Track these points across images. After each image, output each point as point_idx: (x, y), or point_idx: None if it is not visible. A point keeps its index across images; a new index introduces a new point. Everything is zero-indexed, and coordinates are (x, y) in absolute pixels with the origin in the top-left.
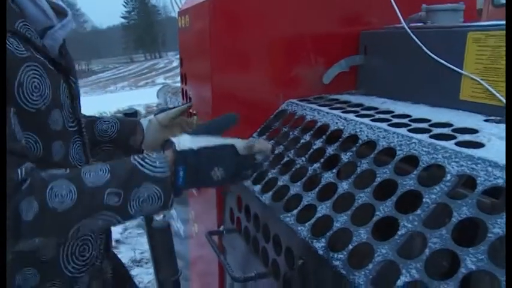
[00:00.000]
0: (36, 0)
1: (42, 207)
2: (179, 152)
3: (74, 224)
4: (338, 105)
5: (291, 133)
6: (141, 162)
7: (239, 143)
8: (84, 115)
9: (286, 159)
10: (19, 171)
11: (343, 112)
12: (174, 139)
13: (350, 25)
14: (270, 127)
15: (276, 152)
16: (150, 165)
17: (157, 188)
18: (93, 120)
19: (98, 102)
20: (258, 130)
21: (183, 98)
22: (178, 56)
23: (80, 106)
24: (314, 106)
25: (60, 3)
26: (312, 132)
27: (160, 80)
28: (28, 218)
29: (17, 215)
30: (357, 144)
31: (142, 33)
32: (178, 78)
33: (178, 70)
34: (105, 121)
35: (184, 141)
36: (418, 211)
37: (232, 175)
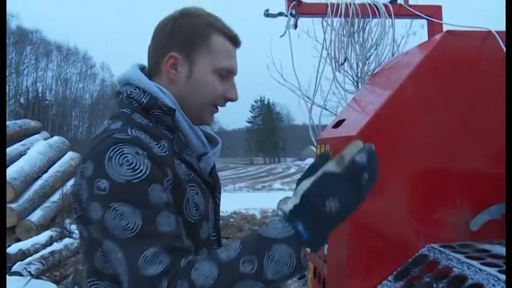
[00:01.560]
0: (197, 133)
1: (193, 285)
2: (289, 214)
3: None
4: (490, 259)
5: (435, 285)
6: (265, 228)
7: (329, 166)
8: None
9: None
10: (182, 260)
11: (499, 271)
12: (281, 207)
13: (501, 164)
14: (408, 271)
15: None
16: (273, 228)
17: (287, 247)
18: None
19: None
20: (395, 273)
21: None
22: (296, 163)
23: (219, 214)
24: (461, 257)
25: (212, 133)
26: None
27: (277, 185)
28: None
29: None
30: None
31: (264, 138)
32: (295, 186)
33: (295, 177)
34: None
35: (288, 204)
36: None
37: (349, 194)
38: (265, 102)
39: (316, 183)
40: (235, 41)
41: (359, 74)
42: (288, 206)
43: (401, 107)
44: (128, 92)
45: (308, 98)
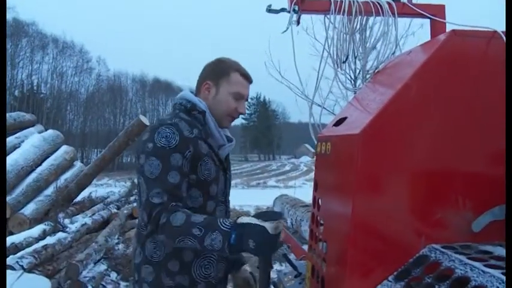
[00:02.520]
0: (219, 130)
1: (168, 220)
2: (236, 224)
3: (176, 236)
4: (494, 262)
5: (436, 287)
6: (221, 221)
7: (269, 225)
8: None
9: None
10: (173, 203)
11: (503, 273)
12: (241, 218)
13: (505, 164)
14: (409, 272)
15: None
16: (224, 224)
17: (221, 237)
18: None
19: None
20: (395, 273)
21: (313, 223)
22: (291, 160)
23: (229, 188)
24: (463, 258)
25: (230, 135)
26: None
27: (272, 182)
28: (161, 222)
29: (157, 219)
30: None
31: (259, 135)
32: (290, 183)
33: (290, 174)
34: None
35: (244, 219)
36: None
37: (260, 246)
38: (261, 99)
39: (256, 226)
40: (246, 77)
41: (357, 72)
42: (240, 219)
43: (405, 106)
44: (180, 101)
45: (306, 96)
